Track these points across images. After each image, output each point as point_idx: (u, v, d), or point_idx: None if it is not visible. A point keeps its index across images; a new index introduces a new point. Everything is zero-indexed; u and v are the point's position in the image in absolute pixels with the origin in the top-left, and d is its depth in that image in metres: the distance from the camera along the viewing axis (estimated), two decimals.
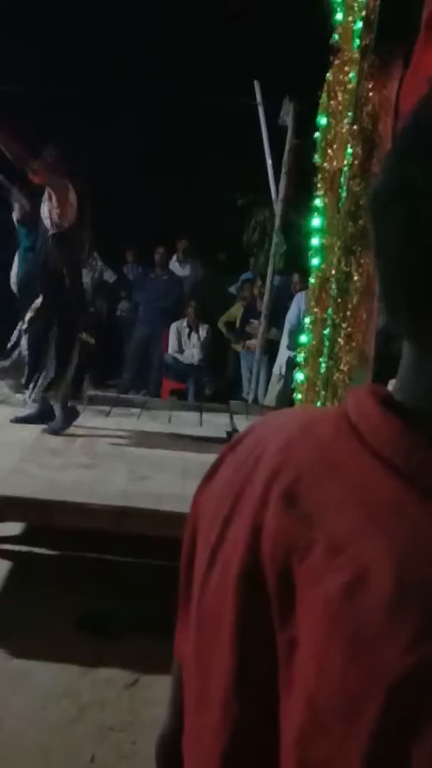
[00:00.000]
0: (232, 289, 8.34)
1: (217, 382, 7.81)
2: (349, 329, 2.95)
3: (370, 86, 2.88)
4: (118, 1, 9.35)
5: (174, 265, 8.24)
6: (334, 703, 0.41)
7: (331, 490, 0.46)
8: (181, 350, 7.47)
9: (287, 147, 6.13)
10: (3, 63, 6.53)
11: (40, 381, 4.40)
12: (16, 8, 7.67)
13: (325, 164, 3.25)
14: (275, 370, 6.60)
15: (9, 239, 5.99)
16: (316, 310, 3.27)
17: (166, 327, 7.54)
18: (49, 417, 4.43)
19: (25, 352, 4.77)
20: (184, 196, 9.99)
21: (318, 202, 3.30)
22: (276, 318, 6.58)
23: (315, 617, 0.43)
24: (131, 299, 8.20)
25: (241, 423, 4.88)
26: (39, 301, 4.48)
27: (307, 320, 3.43)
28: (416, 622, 0.38)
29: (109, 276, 8.38)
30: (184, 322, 7.48)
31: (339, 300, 2.96)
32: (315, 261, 3.30)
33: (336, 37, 3.14)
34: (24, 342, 4.89)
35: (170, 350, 7.49)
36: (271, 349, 6.71)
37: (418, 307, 0.43)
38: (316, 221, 3.30)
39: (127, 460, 4.00)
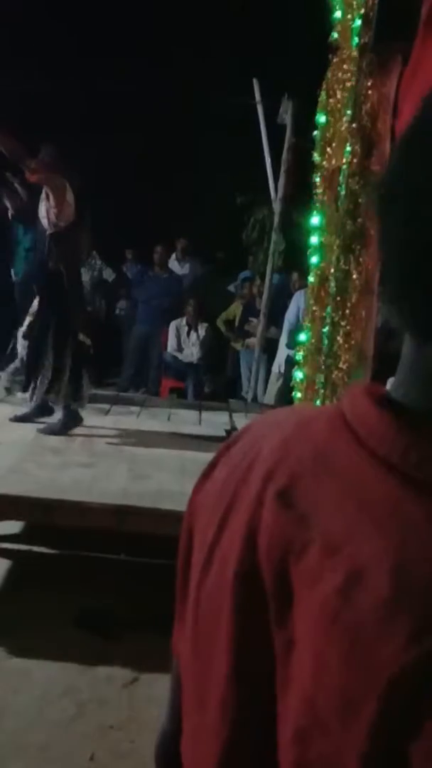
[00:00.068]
0: (231, 288, 8.34)
1: (216, 380, 7.81)
2: (348, 327, 2.95)
3: (369, 84, 2.87)
4: (118, 1, 9.34)
5: (173, 263, 8.23)
6: (332, 702, 0.41)
7: (327, 489, 0.46)
8: (180, 349, 7.47)
9: (286, 145, 6.12)
10: (2, 62, 6.52)
11: (39, 381, 4.40)
12: (16, 8, 7.65)
13: (324, 162, 3.24)
14: (274, 369, 6.60)
15: (7, 237, 5.98)
16: (315, 308, 3.27)
17: (165, 325, 7.54)
18: (46, 411, 4.44)
19: (24, 352, 4.76)
20: (183, 194, 9.99)
21: (317, 200, 3.30)
22: (275, 316, 6.58)
23: (312, 617, 0.43)
24: (130, 298, 8.20)
25: (241, 421, 4.89)
26: (36, 302, 4.48)
27: (306, 318, 3.43)
28: (413, 620, 0.38)
29: (108, 274, 8.37)
30: (184, 321, 7.48)
31: (338, 298, 2.96)
32: (314, 259, 3.29)
33: (335, 35, 3.13)
34: (21, 344, 4.88)
35: (169, 349, 7.49)
36: (270, 348, 6.71)
37: (421, 299, 0.44)
38: (315, 219, 3.29)
39: (127, 458, 4.00)
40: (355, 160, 2.89)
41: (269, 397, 6.61)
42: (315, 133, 3.33)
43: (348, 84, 2.96)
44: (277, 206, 6.37)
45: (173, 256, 8.27)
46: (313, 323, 3.27)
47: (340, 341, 2.97)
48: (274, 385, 6.52)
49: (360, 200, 2.88)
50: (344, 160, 2.95)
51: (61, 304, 4.33)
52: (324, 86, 3.25)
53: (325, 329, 3.05)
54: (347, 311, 2.94)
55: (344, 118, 3.01)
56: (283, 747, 0.44)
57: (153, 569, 3.40)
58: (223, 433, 4.53)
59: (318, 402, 3.07)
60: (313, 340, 3.25)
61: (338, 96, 3.11)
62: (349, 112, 2.93)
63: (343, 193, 2.93)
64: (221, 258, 8.91)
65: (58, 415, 4.44)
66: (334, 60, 3.17)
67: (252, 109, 6.46)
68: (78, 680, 2.85)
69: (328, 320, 3.01)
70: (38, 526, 3.88)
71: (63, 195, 4.23)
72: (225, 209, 9.47)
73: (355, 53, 2.89)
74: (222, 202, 9.53)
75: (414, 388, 0.46)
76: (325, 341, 3.03)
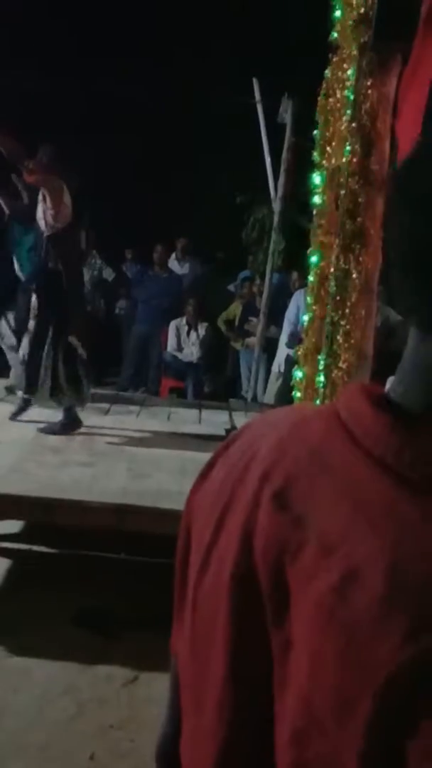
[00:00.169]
0: (231, 287, 8.33)
1: (216, 380, 7.81)
2: (347, 327, 2.95)
3: (368, 83, 2.87)
4: (118, 1, 9.34)
5: (173, 263, 8.23)
6: (329, 701, 0.41)
7: (323, 489, 0.46)
8: (180, 348, 7.47)
9: (286, 145, 6.12)
10: (2, 62, 6.52)
11: (40, 384, 4.39)
12: (16, 8, 7.65)
13: (324, 161, 3.25)
14: (274, 368, 6.60)
15: (7, 238, 5.96)
16: (314, 307, 3.27)
17: (165, 325, 7.53)
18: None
19: (25, 352, 4.76)
20: (183, 194, 9.99)
21: (317, 199, 3.30)
22: (275, 316, 6.58)
23: (308, 616, 0.43)
24: (130, 297, 8.19)
25: (240, 421, 4.88)
26: (35, 301, 4.48)
27: (305, 318, 3.43)
28: (408, 618, 0.38)
29: (108, 274, 8.37)
30: (183, 320, 7.48)
31: (338, 298, 2.96)
32: (314, 259, 3.29)
33: (335, 34, 3.13)
34: (23, 345, 4.87)
35: (169, 348, 7.49)
36: (270, 347, 6.71)
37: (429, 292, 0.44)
38: (314, 218, 3.30)
39: (127, 458, 4.00)
40: (354, 160, 2.89)
41: (269, 396, 6.60)
42: (315, 132, 3.33)
43: (348, 83, 2.96)
44: (276, 205, 6.36)
45: (173, 255, 8.27)
46: (312, 323, 3.27)
47: (340, 341, 2.97)
48: (274, 384, 6.51)
49: (360, 199, 2.88)
50: (344, 160, 2.94)
51: (60, 305, 4.33)
52: (324, 85, 3.25)
53: (325, 328, 3.05)
54: (347, 311, 2.94)
55: (344, 118, 3.01)
56: (280, 748, 0.44)
57: (153, 568, 3.40)
58: (223, 433, 4.53)
59: (318, 401, 3.07)
60: (313, 340, 3.25)
61: (338, 95, 3.11)
62: (349, 111, 2.93)
63: (342, 192, 2.93)
64: (221, 257, 8.90)
65: (59, 416, 4.44)
66: (334, 59, 3.17)
67: (252, 108, 6.45)
68: (78, 679, 2.85)
69: (327, 319, 3.01)
70: (38, 525, 3.88)
71: (60, 196, 4.22)
72: (225, 209, 9.47)
73: (355, 52, 2.89)
74: (222, 201, 9.53)
75: (414, 384, 0.46)
76: (325, 340, 3.03)
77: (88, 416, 4.63)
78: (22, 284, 5.55)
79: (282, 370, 6.28)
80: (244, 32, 9.25)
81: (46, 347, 4.36)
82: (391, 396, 0.48)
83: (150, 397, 6.46)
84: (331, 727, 0.40)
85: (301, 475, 0.48)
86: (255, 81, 6.43)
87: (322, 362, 3.03)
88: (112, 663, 2.97)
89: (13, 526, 3.96)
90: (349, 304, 2.93)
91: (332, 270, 3.01)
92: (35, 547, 3.98)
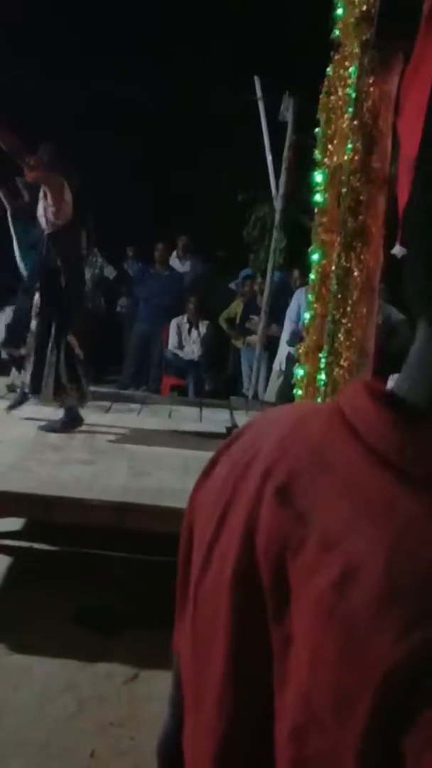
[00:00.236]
0: (232, 286, 8.34)
1: (217, 378, 7.81)
2: (349, 325, 2.94)
3: (370, 81, 2.87)
4: (118, 1, 9.33)
5: (174, 261, 8.23)
6: (328, 697, 0.41)
7: (325, 486, 0.46)
8: (181, 346, 7.47)
9: (287, 143, 6.12)
10: (2, 61, 6.52)
11: (44, 384, 4.39)
12: (16, 8, 7.65)
13: (326, 160, 3.24)
14: (275, 366, 6.60)
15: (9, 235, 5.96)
16: (316, 306, 3.26)
17: (166, 323, 7.54)
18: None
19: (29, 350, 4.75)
20: (184, 192, 9.99)
21: (318, 197, 3.29)
22: (276, 314, 6.58)
23: (308, 612, 0.43)
24: (131, 295, 8.20)
25: (241, 419, 4.88)
26: (37, 300, 4.48)
27: (307, 316, 3.42)
28: (406, 614, 0.38)
29: (110, 272, 8.38)
30: (184, 318, 7.48)
31: (339, 296, 2.95)
32: (315, 257, 3.29)
33: (336, 32, 3.12)
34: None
35: (170, 346, 7.49)
36: (271, 345, 6.71)
37: None
38: (316, 216, 3.29)
39: (127, 456, 4.00)
40: (356, 158, 2.88)
41: (270, 394, 6.61)
42: (316, 130, 3.32)
43: (349, 81, 2.95)
44: (278, 204, 6.36)
45: (174, 253, 8.27)
46: (314, 321, 3.27)
47: (341, 339, 2.96)
48: (275, 382, 6.52)
49: (361, 197, 2.87)
50: (345, 158, 2.94)
51: (61, 303, 4.33)
52: (325, 83, 3.24)
53: (327, 327, 3.04)
54: (348, 309, 2.94)
55: (346, 116, 3.00)
56: (279, 744, 0.44)
57: (153, 566, 3.40)
58: (224, 431, 4.53)
59: (319, 399, 3.07)
60: (314, 338, 3.25)
61: (340, 93, 3.10)
62: (350, 109, 2.93)
63: (344, 190, 2.93)
64: (222, 256, 8.91)
65: (59, 413, 4.44)
66: (336, 57, 3.17)
67: (253, 106, 6.45)
68: (78, 677, 2.85)
69: (329, 318, 3.01)
70: (39, 523, 3.88)
71: (61, 193, 4.23)
72: (226, 207, 9.47)
73: (356, 50, 2.88)
74: (223, 199, 9.53)
75: (421, 380, 0.46)
76: (326, 338, 3.03)
77: (89, 414, 4.64)
78: (22, 284, 5.55)
79: (283, 368, 6.28)
80: (244, 31, 9.24)
81: (49, 345, 4.36)
82: (397, 392, 0.48)
83: (151, 395, 6.47)
84: (331, 724, 0.40)
85: (303, 471, 0.48)
86: (256, 79, 6.43)
87: (323, 360, 3.03)
88: (113, 660, 2.97)
89: (13, 523, 3.97)
90: (350, 302, 2.92)
91: (333, 268, 3.00)
92: (36, 545, 3.98)
